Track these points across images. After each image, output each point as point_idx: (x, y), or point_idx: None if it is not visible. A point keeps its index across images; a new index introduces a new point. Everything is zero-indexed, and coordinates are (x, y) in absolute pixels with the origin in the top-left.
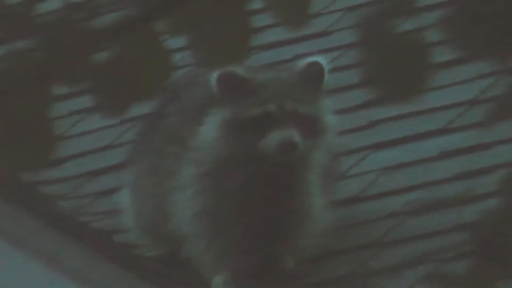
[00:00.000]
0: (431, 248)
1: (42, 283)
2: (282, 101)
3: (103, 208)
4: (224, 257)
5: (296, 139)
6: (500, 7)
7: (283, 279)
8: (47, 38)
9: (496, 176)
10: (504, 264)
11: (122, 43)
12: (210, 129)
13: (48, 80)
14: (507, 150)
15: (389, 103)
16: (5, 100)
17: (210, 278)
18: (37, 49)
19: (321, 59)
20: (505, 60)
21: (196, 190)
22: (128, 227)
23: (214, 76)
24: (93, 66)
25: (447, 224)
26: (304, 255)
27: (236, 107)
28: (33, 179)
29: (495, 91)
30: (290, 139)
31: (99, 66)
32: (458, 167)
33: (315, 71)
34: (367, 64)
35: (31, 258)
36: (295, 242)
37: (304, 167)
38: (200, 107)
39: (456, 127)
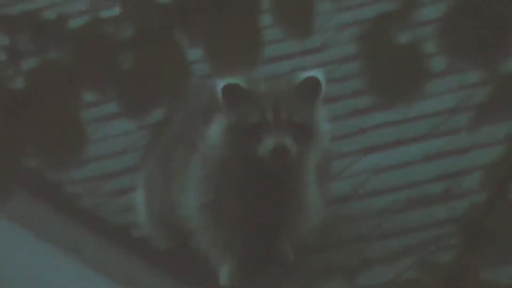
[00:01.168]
0: (418, 241)
1: (67, 271)
2: (278, 110)
3: (121, 205)
4: (228, 249)
5: (289, 144)
6: (486, 20)
7: (283, 269)
8: (77, 48)
9: (475, 177)
10: (486, 253)
11: (144, 52)
12: (215, 133)
13: (78, 86)
14: (484, 154)
15: (386, 108)
16: (40, 104)
17: (217, 268)
18: (68, 58)
19: (318, 74)
20: (491, 67)
21: (202, 187)
22: (142, 222)
23: (219, 87)
24: (118, 73)
25: (432, 219)
26: (302, 247)
27: (238, 114)
28: (59, 178)
29: (473, 100)
30: (282, 145)
31: (124, 74)
32: (441, 169)
33: (312, 84)
34: (367, 73)
35: (57, 249)
36: (293, 234)
37: (300, 168)
38: (206, 113)
39: (438, 133)
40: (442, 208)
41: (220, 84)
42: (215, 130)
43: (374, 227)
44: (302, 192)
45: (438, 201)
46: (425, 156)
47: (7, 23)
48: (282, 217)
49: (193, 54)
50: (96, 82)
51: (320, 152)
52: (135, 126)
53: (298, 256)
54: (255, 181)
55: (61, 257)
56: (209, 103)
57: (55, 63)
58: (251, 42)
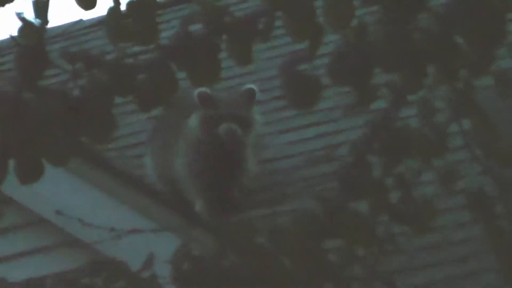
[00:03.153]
0: (312, 184)
1: (108, 207)
2: (230, 108)
3: (138, 164)
4: (201, 191)
5: (235, 128)
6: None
7: (233, 202)
8: (110, 71)
9: (346, 147)
10: (353, 194)
11: (151, 74)
12: (193, 122)
13: (111, 94)
14: (352, 133)
15: (295, 108)
16: (88, 104)
17: (195, 202)
18: (105, 77)
19: (253, 86)
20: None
21: (186, 154)
22: (150, 174)
23: (195, 93)
24: (135, 86)
25: (319, 172)
26: (245, 189)
27: (206, 110)
28: (100, 148)
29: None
30: (232, 129)
31: (138, 86)
32: (324, 142)
33: (250, 92)
34: (284, 88)
35: (105, 196)
36: (240, 181)
37: (244, 143)
38: (188, 109)
39: (324, 122)
40: (326, 166)
41: (196, 91)
42: (194, 119)
43: (286, 176)
44: (245, 157)
45: (323, 161)
46: (316, 135)
47: (69, 56)
48: (234, 170)
49: (180, 74)
50: (122, 91)
51: (255, 133)
52: (145, 117)
53: (242, 194)
54: (217, 150)
55: (107, 199)
56: (191, 102)
57: (97, 81)
58: (213, 68)
